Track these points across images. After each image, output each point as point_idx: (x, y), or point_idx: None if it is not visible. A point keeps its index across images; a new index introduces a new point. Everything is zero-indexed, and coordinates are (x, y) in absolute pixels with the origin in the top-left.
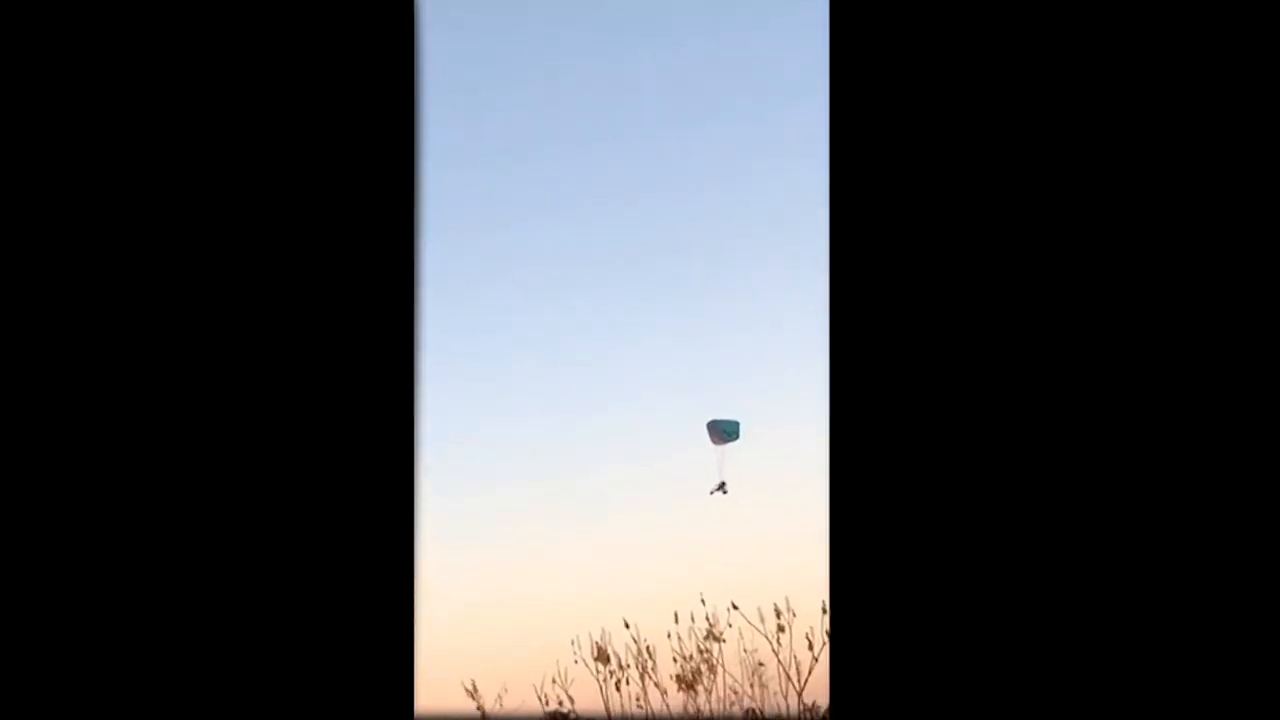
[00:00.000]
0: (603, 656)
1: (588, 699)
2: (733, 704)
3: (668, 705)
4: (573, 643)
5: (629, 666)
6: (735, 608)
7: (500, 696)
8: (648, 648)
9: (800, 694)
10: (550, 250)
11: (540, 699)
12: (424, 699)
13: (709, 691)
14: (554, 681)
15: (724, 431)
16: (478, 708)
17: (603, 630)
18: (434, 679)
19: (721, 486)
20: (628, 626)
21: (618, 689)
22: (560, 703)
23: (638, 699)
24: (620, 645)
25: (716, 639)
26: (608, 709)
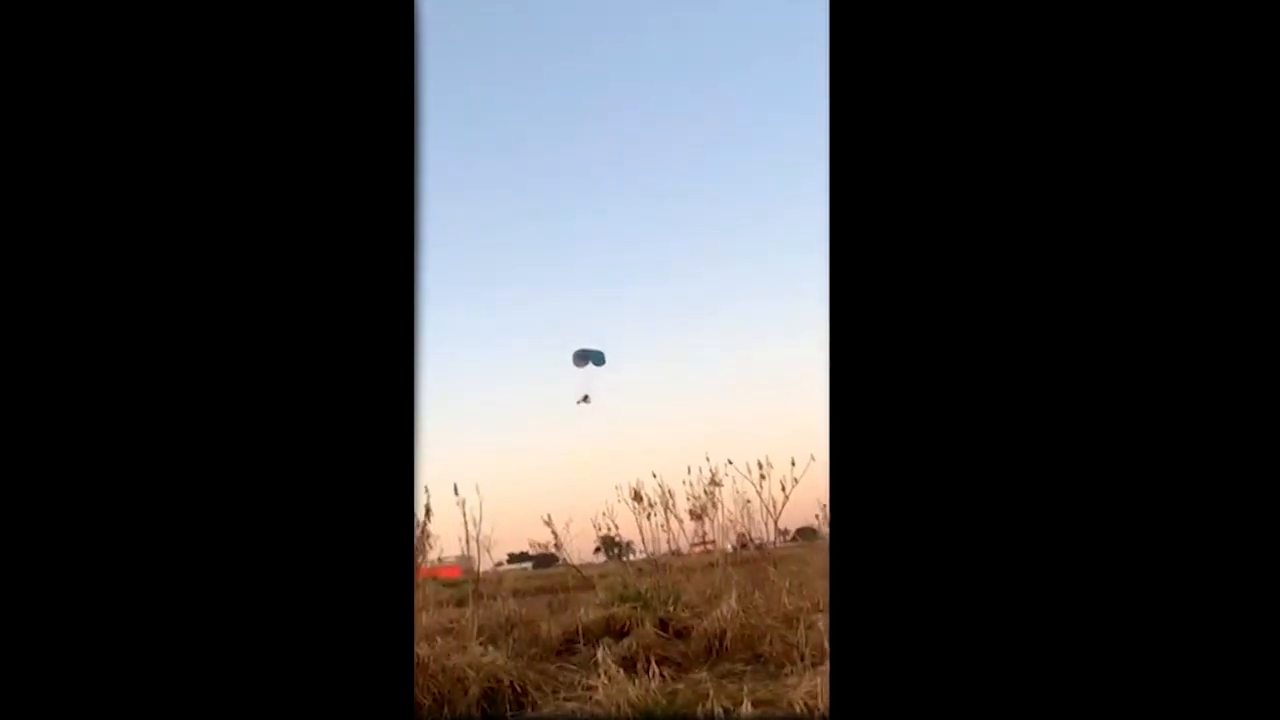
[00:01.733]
0: (637, 497)
1: (627, 527)
2: (729, 530)
3: (684, 531)
4: (616, 488)
5: (656, 505)
6: (730, 462)
7: (567, 525)
8: (668, 491)
9: (776, 523)
10: None
11: (595, 527)
12: (508, 536)
13: (712, 521)
14: (603, 515)
15: (591, 359)
16: (552, 533)
17: (636, 479)
18: (518, 518)
19: (585, 398)
20: (654, 476)
21: (648, 519)
22: (608, 529)
23: (662, 526)
24: (650, 489)
25: (717, 484)
26: (641, 534)
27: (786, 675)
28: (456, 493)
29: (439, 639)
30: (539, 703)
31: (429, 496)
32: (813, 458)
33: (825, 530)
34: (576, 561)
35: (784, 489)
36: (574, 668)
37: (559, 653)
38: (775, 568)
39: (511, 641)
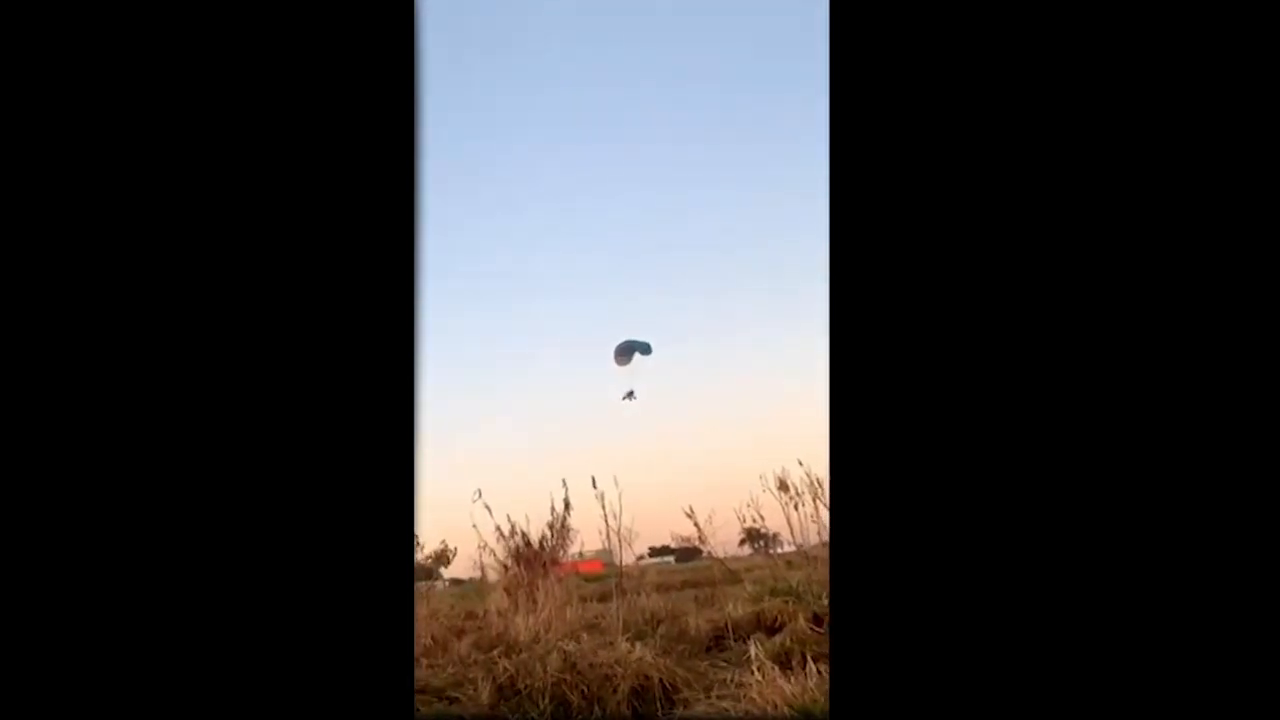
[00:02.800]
0: (783, 487)
1: (774, 518)
2: None
3: None
4: (760, 478)
5: (803, 494)
6: None
7: (710, 518)
8: (816, 480)
9: None
10: None
11: (739, 519)
12: (649, 529)
13: None
14: (747, 506)
15: (636, 350)
16: (694, 525)
17: (782, 467)
18: (658, 511)
19: (630, 394)
20: (800, 464)
21: (796, 510)
22: (753, 520)
23: (811, 517)
24: (795, 478)
25: None
26: (789, 525)
27: None
28: (595, 485)
29: (584, 635)
30: (690, 700)
31: (566, 489)
32: None
33: None
34: (721, 554)
35: None
36: (725, 664)
37: (708, 649)
38: None
39: (658, 638)
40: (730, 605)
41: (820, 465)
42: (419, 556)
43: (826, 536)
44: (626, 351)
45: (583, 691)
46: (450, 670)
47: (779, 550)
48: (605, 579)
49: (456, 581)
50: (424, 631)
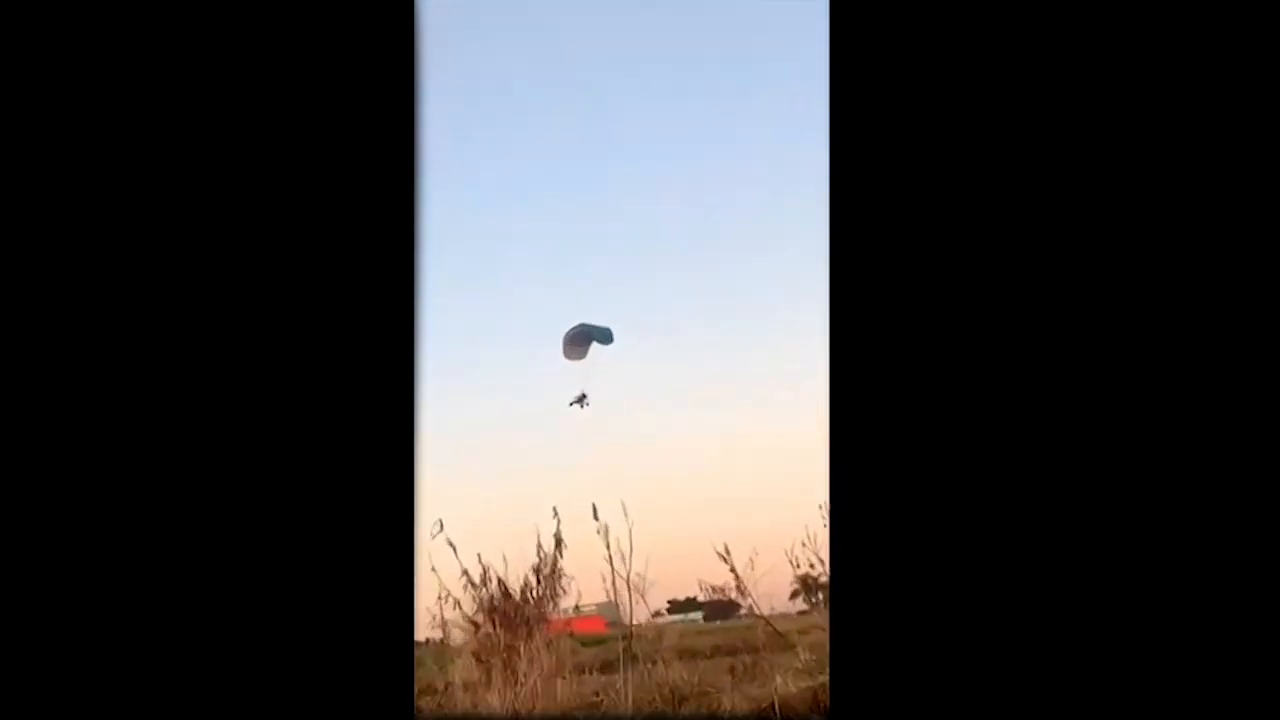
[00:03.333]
0: None
1: None
2: None
3: None
4: (820, 508)
5: None
6: None
7: (752, 560)
8: None
9: None
10: None
11: (791, 562)
12: (669, 575)
13: None
14: (803, 545)
15: (594, 339)
16: (730, 570)
17: None
18: (681, 551)
19: (582, 399)
20: None
21: None
22: (810, 564)
23: None
24: None
25: None
26: None
27: None
28: (596, 516)
29: None
30: None
31: (558, 521)
32: None
33: None
34: (766, 611)
35: None
36: None
37: None
38: None
39: None
40: (779, 679)
41: None
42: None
43: None
44: (580, 340)
45: None
46: None
47: None
48: (609, 642)
49: None
50: None
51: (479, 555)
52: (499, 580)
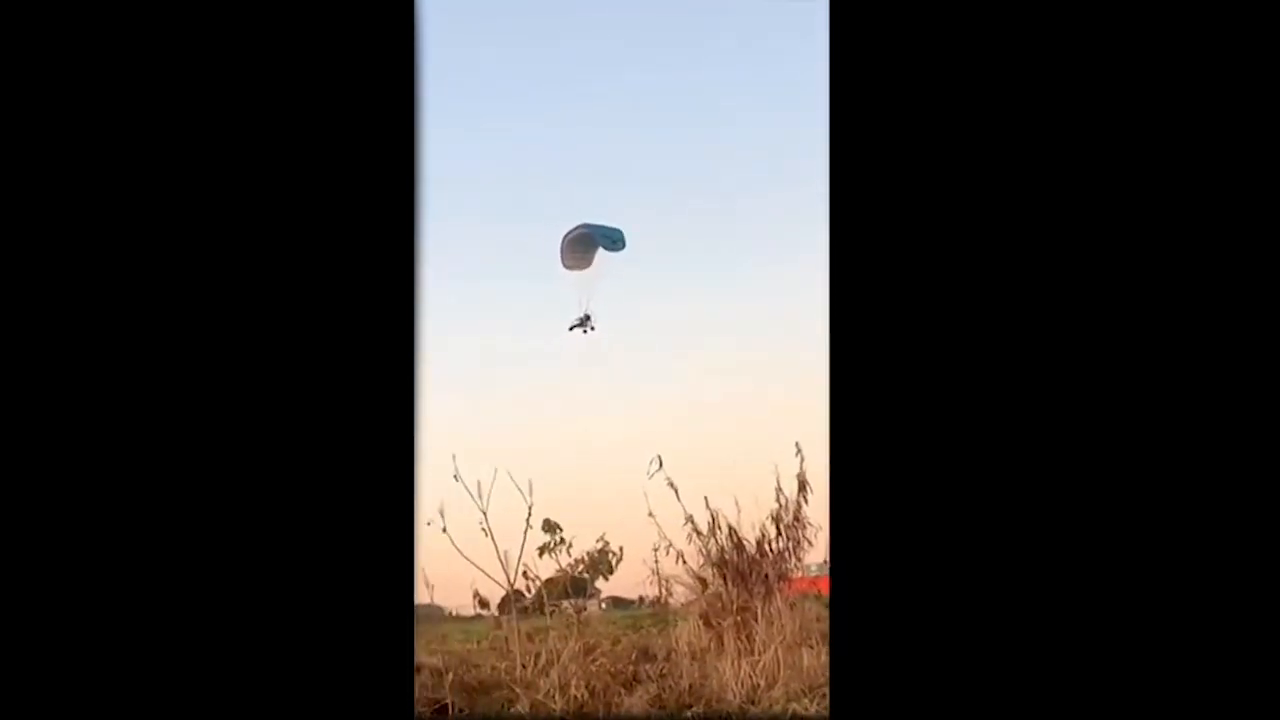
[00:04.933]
0: None
1: None
2: None
3: None
4: None
5: None
6: None
7: None
8: None
9: None
10: None
11: None
12: None
13: None
14: None
15: (600, 244)
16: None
17: None
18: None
19: (584, 321)
20: None
21: None
22: None
23: None
24: None
25: None
26: None
27: None
28: None
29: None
30: None
31: (802, 459)
32: None
33: None
34: None
35: None
36: None
37: None
38: None
39: None
40: None
41: None
42: (565, 561)
43: None
44: (583, 245)
45: None
46: None
47: None
48: None
49: (620, 601)
50: (576, 675)
51: (705, 499)
52: (730, 529)
